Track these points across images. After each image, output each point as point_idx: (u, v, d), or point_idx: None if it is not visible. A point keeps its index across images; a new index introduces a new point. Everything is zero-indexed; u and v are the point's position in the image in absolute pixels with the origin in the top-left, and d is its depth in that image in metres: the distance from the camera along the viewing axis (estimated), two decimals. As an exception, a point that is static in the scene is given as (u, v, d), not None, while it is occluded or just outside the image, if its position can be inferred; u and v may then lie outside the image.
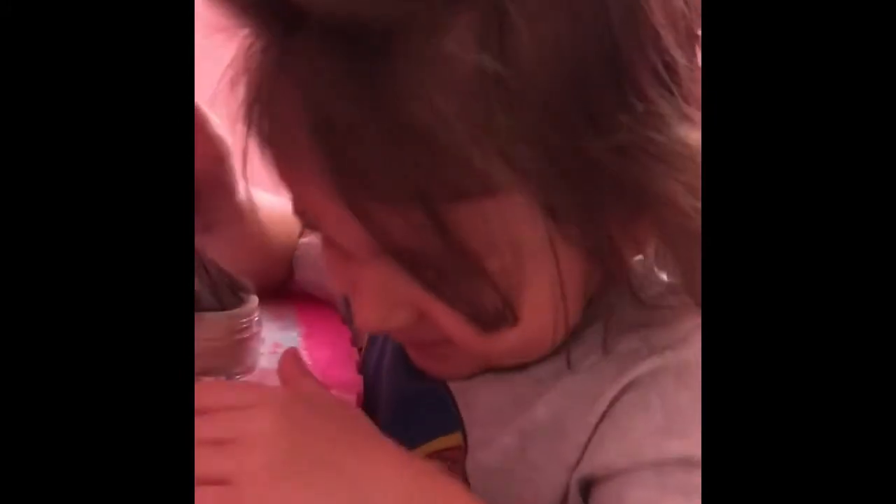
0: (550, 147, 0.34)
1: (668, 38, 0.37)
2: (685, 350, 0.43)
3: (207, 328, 0.51)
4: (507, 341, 0.41)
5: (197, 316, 0.50)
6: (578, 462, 0.43)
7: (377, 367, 0.54)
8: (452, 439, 0.48)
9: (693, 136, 0.37)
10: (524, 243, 0.38)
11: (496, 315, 0.39)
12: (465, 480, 0.46)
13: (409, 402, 0.51)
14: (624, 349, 0.43)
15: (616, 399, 0.43)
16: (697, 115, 0.37)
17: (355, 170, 0.35)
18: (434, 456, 0.47)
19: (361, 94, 0.33)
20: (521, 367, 0.46)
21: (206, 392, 0.40)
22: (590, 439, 0.43)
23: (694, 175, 0.36)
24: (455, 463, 0.47)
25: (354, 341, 0.59)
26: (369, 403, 0.53)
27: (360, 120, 0.33)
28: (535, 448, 0.45)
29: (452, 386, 0.49)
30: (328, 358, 0.56)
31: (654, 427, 0.42)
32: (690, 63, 0.38)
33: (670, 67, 0.37)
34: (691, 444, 0.39)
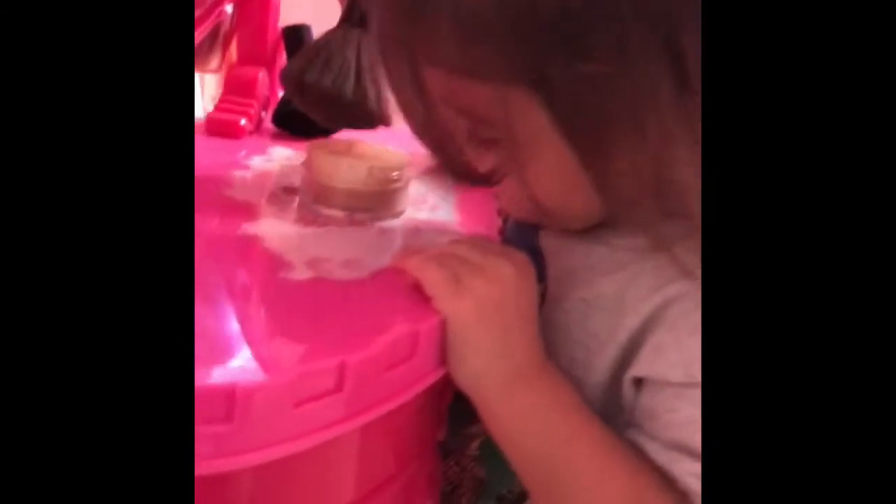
0: (540, 58, 0.40)
1: None
2: None
3: (356, 174, 0.57)
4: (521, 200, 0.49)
5: (343, 161, 0.57)
6: (628, 354, 0.49)
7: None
8: (539, 288, 0.52)
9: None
10: (520, 129, 0.44)
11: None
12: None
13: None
14: (687, 254, 0.46)
15: (672, 301, 0.47)
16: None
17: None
18: None
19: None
20: (601, 241, 0.51)
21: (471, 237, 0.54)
22: (642, 327, 0.48)
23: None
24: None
25: (500, 212, 0.64)
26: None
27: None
28: (596, 318, 0.50)
29: (546, 246, 0.55)
30: (475, 221, 0.61)
31: None
32: None
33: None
34: None
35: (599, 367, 0.50)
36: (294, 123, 0.73)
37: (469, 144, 0.49)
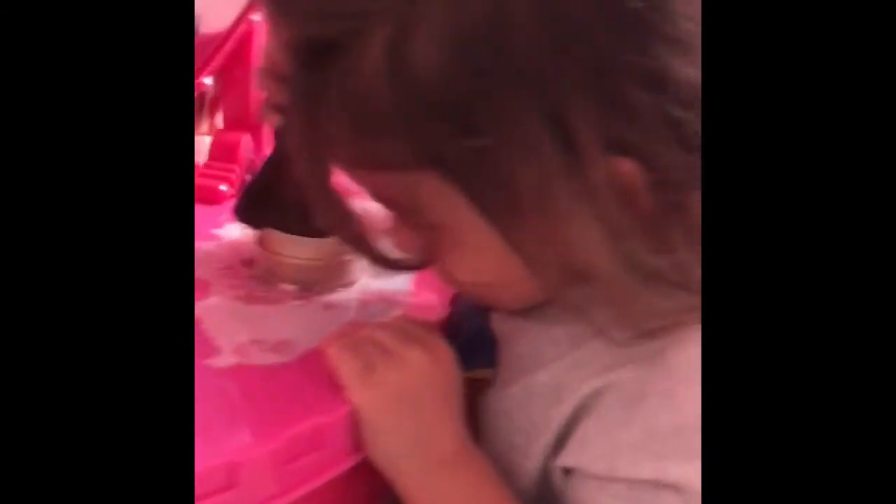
0: (433, 139, 0.40)
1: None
2: (673, 362, 0.45)
3: (305, 249, 0.59)
4: (455, 281, 0.51)
5: (297, 239, 0.58)
6: (561, 442, 0.48)
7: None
8: (486, 373, 0.53)
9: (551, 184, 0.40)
10: (437, 212, 0.45)
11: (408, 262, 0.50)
12: (476, 413, 0.52)
13: (474, 336, 0.57)
14: (622, 341, 0.45)
15: (602, 391, 0.47)
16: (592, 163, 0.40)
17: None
18: (468, 382, 0.52)
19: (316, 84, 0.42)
20: (546, 328, 0.50)
21: (398, 320, 0.54)
22: (573, 416, 0.48)
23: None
24: (480, 394, 0.52)
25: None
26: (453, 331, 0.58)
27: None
28: (534, 405, 0.49)
29: (496, 329, 0.55)
30: (429, 288, 0.62)
31: (632, 442, 0.45)
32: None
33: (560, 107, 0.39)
34: (664, 468, 0.44)
35: (535, 454, 0.50)
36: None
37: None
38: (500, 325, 0.55)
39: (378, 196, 0.47)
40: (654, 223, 0.41)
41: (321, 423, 0.45)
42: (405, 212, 0.47)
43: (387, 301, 0.60)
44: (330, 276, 0.60)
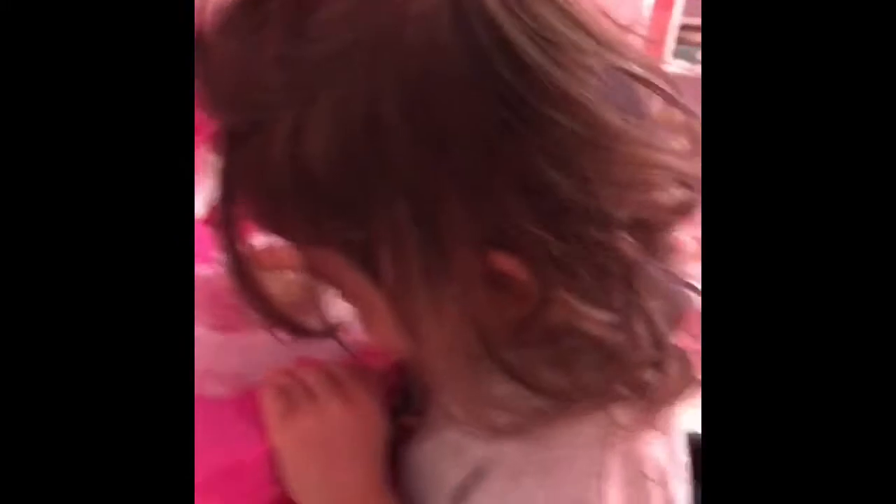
0: (324, 224, 0.45)
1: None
2: (561, 439, 0.47)
3: (276, 284, 0.64)
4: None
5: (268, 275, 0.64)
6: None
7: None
8: (415, 421, 0.58)
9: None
10: (346, 284, 0.49)
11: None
12: (402, 458, 0.56)
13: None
14: (477, 434, 0.49)
15: (491, 462, 0.49)
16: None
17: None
18: (401, 428, 0.57)
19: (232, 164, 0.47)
20: None
21: (333, 364, 0.57)
22: (468, 480, 0.51)
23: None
24: (407, 441, 0.57)
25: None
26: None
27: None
28: (441, 463, 0.54)
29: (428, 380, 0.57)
30: None
31: None
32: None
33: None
34: None
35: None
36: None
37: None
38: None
39: (306, 267, 0.51)
40: (520, 321, 0.44)
41: (242, 460, 0.51)
42: (327, 281, 0.51)
43: (349, 337, 0.65)
44: (301, 311, 0.65)
